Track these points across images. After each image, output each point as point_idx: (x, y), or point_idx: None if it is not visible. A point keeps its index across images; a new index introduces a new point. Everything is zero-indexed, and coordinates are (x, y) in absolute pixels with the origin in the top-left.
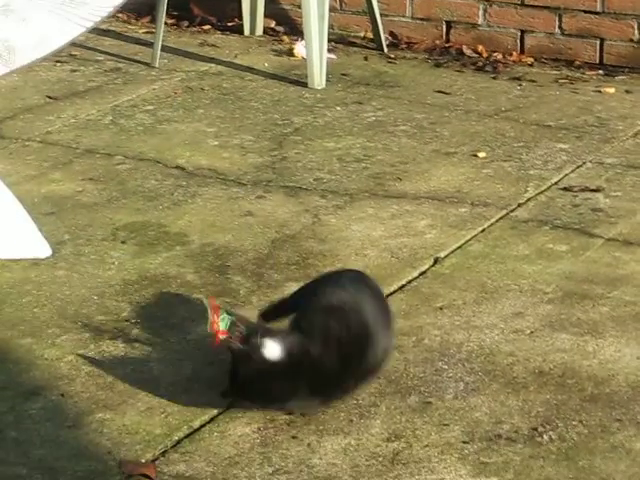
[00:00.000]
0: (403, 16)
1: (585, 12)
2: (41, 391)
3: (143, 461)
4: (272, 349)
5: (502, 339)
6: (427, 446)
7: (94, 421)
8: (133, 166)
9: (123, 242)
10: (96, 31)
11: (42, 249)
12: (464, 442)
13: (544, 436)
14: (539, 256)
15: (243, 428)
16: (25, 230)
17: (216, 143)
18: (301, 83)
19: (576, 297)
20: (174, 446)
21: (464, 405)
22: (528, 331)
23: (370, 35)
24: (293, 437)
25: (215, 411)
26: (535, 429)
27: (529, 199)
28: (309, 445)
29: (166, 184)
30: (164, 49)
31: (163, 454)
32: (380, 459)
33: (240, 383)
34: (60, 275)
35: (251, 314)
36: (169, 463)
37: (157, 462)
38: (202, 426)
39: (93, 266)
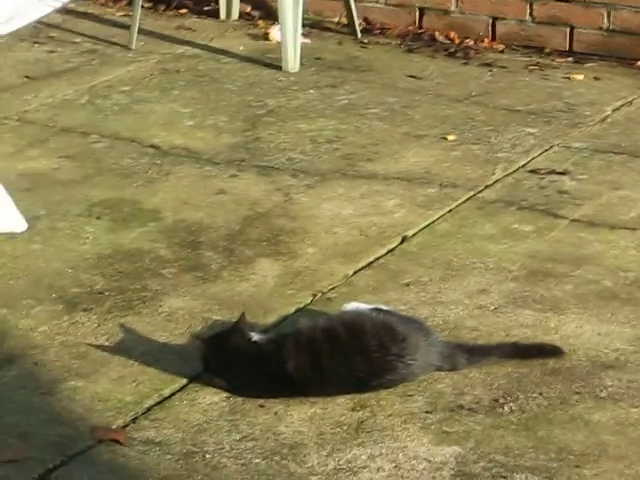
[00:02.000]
0: (377, 2)
1: (556, 0)
2: (15, 359)
3: (114, 427)
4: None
5: (466, 314)
6: (391, 415)
7: (67, 389)
8: (109, 145)
9: (98, 218)
10: (74, 13)
11: (18, 224)
12: (427, 412)
13: (505, 407)
14: (505, 236)
15: (212, 397)
16: (1, 205)
17: (191, 123)
18: (275, 66)
19: (540, 275)
20: (144, 413)
21: (428, 377)
22: (492, 307)
23: (344, 20)
24: (261, 406)
25: (185, 380)
26: (496, 400)
27: (496, 181)
28: (276, 414)
29: (141, 162)
30: (141, 32)
31: (134, 420)
32: (345, 427)
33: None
34: (35, 249)
35: None
36: (139, 429)
37: (127, 428)
38: (172, 394)
39: (68, 240)
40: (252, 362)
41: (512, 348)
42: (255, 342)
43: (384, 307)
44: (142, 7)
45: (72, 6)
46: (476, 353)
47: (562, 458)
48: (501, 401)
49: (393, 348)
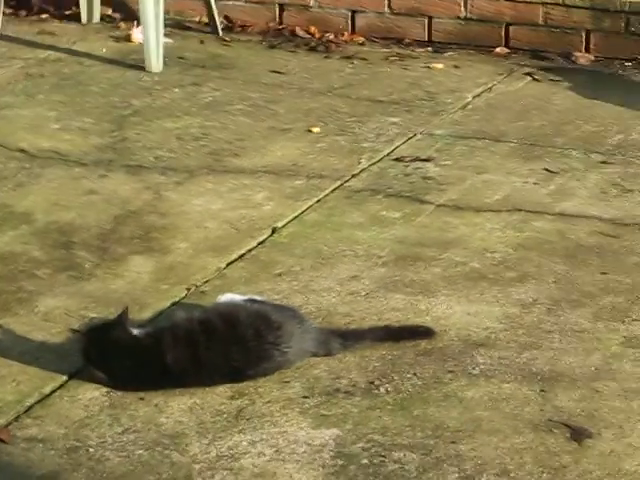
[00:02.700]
0: (237, 0)
1: None
2: None
3: None
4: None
5: (339, 301)
6: (269, 402)
7: None
8: None
9: None
10: None
11: None
12: (304, 397)
13: (380, 389)
14: (373, 223)
15: (92, 392)
16: None
17: (57, 126)
18: (139, 67)
19: (409, 260)
20: (26, 411)
21: (304, 363)
22: (364, 293)
23: (205, 19)
24: (141, 399)
25: (64, 377)
26: (372, 382)
27: (362, 170)
28: (156, 405)
29: (10, 167)
30: (3, 38)
31: (16, 419)
32: (225, 416)
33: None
34: None
35: None
36: (22, 427)
37: (10, 427)
38: (53, 392)
39: None
40: (132, 355)
41: (385, 331)
42: (134, 336)
43: (258, 297)
44: (3, 13)
45: None
46: (350, 338)
47: (438, 435)
48: (377, 383)
49: (269, 336)
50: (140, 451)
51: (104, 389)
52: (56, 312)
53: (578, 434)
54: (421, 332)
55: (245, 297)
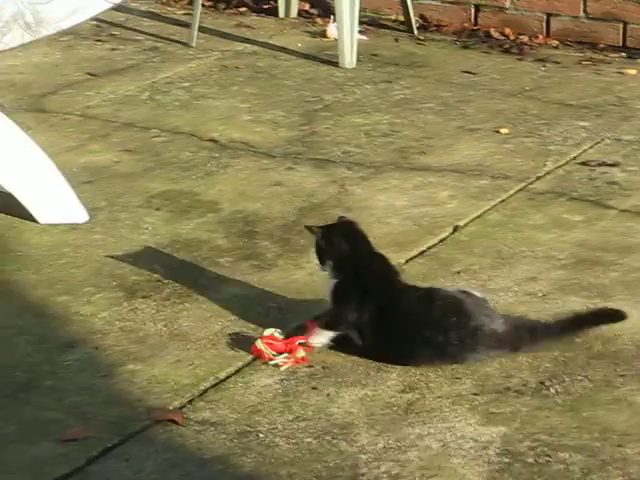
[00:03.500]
0: (433, 0)
1: None
2: (76, 344)
3: (171, 408)
4: None
5: (515, 301)
6: (439, 397)
7: (125, 372)
8: (168, 139)
9: (157, 209)
10: (136, 12)
11: (80, 215)
12: (474, 394)
13: (551, 389)
14: (554, 225)
15: (266, 379)
16: (64, 197)
17: (249, 118)
18: (332, 63)
19: (588, 263)
20: (200, 395)
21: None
22: (540, 294)
23: (401, 18)
24: (313, 388)
25: (240, 363)
26: (542, 383)
27: (548, 173)
28: (328, 395)
29: (200, 156)
30: (201, 30)
31: (190, 402)
32: (394, 408)
33: None
34: (96, 239)
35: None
36: (195, 410)
37: (184, 409)
38: (227, 377)
39: (128, 231)
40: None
41: (573, 319)
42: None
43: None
44: (202, 6)
45: (134, 5)
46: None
47: (605, 437)
48: (547, 383)
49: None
50: (309, 439)
51: (278, 377)
52: (235, 300)
53: None
54: (611, 314)
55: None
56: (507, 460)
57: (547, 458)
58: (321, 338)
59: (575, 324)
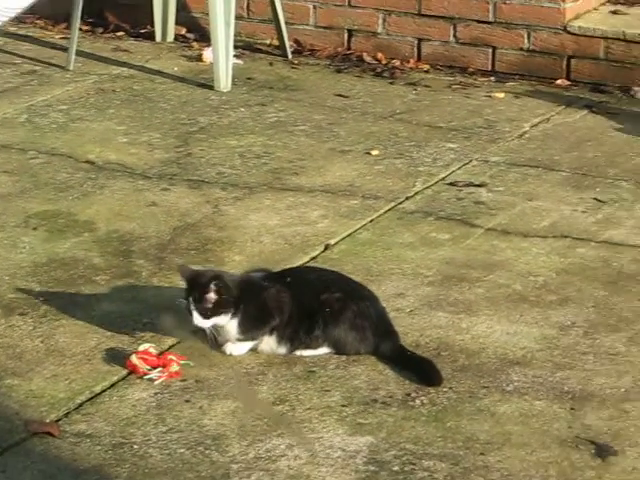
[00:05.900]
0: (307, 24)
1: (478, 22)
2: None
3: (47, 421)
4: None
5: None
6: (309, 409)
7: (3, 387)
8: (46, 160)
9: (34, 229)
10: (14, 36)
11: None
12: (343, 405)
13: (416, 400)
14: (422, 243)
15: (141, 393)
16: None
17: (125, 140)
18: (208, 86)
19: (454, 280)
20: (76, 408)
21: (345, 374)
22: (408, 310)
23: (275, 42)
24: (186, 401)
25: (115, 378)
26: (409, 394)
27: (417, 193)
28: (201, 408)
29: (76, 177)
30: (79, 54)
31: (66, 415)
32: (265, 420)
33: None
34: None
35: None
36: (71, 423)
37: (60, 422)
38: (103, 391)
39: (5, 250)
40: None
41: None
42: None
43: None
44: (80, 30)
45: (13, 29)
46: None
47: (468, 446)
48: (413, 395)
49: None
50: (182, 450)
51: (152, 390)
52: (112, 316)
53: (603, 451)
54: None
55: None
56: (374, 468)
57: (412, 466)
58: (240, 349)
59: (401, 357)
